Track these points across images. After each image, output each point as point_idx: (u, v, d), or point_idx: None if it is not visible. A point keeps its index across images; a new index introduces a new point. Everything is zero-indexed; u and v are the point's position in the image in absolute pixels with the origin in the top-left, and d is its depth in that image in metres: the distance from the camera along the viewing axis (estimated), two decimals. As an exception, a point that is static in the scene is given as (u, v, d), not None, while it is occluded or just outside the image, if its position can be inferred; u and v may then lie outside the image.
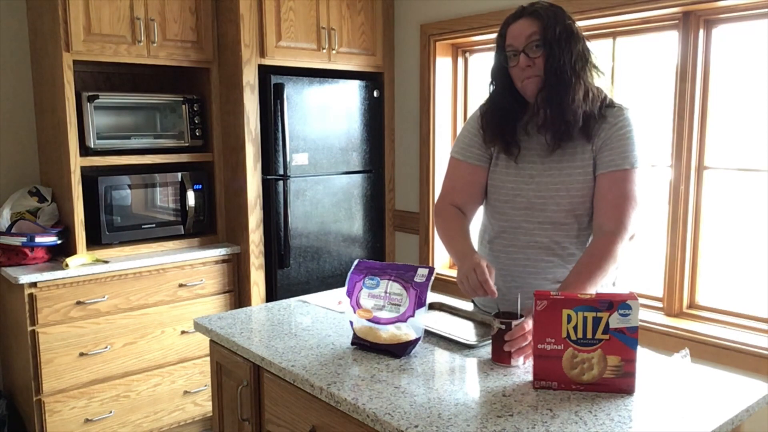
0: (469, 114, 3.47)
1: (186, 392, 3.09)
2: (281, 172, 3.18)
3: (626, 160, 1.64)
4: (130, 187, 3.00)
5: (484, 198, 1.86)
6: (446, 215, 1.86)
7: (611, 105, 1.70)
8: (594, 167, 1.68)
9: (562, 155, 1.70)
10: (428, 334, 1.72)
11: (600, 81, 1.71)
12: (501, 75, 1.74)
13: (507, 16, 1.72)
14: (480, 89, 3.41)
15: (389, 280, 1.61)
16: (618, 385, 1.35)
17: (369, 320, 1.60)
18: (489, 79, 1.79)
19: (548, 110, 1.64)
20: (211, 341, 1.86)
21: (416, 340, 1.59)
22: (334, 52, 3.33)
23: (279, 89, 3.12)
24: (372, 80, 3.53)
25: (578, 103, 1.63)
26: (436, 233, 1.83)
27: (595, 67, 1.69)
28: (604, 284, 1.74)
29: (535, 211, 1.73)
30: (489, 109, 1.79)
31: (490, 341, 1.56)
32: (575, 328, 1.35)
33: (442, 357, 1.58)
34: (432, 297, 2.02)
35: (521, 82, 1.68)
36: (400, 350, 1.56)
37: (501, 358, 1.51)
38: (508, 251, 1.78)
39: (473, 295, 1.61)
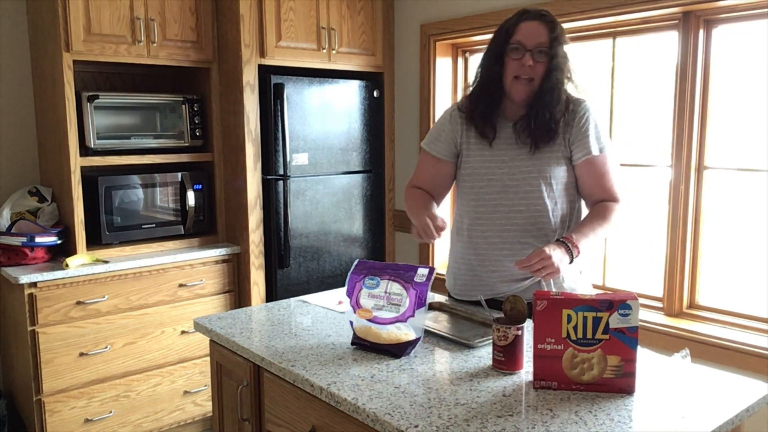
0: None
1: (186, 392, 3.09)
2: (281, 172, 3.18)
3: (596, 146, 1.82)
4: (130, 187, 3.00)
5: (447, 189, 2.03)
6: (412, 193, 2.04)
7: (575, 99, 1.85)
8: (569, 155, 1.84)
9: (531, 149, 1.84)
10: (428, 334, 1.72)
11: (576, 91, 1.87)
12: (495, 63, 1.82)
13: (521, 13, 1.80)
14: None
15: (389, 280, 1.61)
16: (618, 385, 1.35)
17: (369, 320, 1.60)
18: (482, 63, 1.89)
19: (537, 118, 1.79)
20: (211, 341, 1.86)
21: (416, 340, 1.59)
22: (334, 52, 3.33)
23: (279, 89, 3.12)
24: (372, 80, 3.53)
25: (562, 113, 1.81)
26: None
27: (575, 84, 1.84)
28: (572, 270, 1.86)
29: (509, 194, 1.85)
30: (476, 90, 1.88)
31: (491, 342, 1.56)
32: (575, 328, 1.35)
33: (442, 357, 1.58)
34: (432, 297, 2.02)
35: (512, 78, 1.79)
36: (400, 350, 1.56)
37: (515, 365, 1.48)
38: (486, 236, 1.89)
39: (427, 239, 1.78)
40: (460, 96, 3.49)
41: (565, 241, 1.72)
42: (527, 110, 1.82)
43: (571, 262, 1.70)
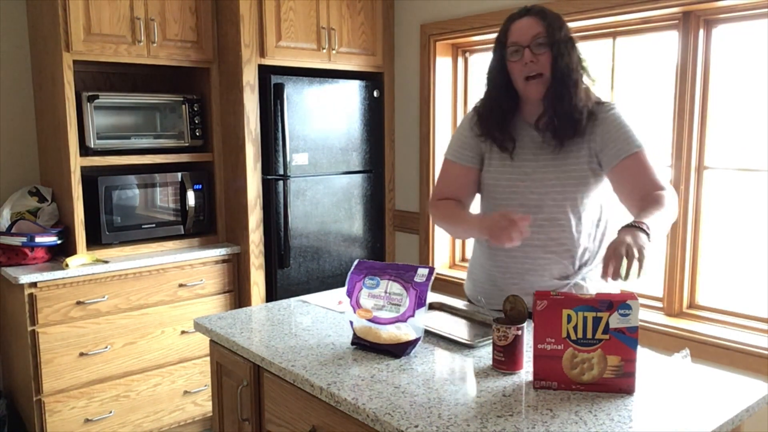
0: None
1: (186, 392, 3.09)
2: (281, 172, 3.18)
3: (632, 144, 1.69)
4: (130, 187, 3.00)
5: (474, 197, 1.93)
6: (442, 204, 1.90)
7: (598, 103, 1.77)
8: (597, 164, 1.73)
9: (556, 152, 1.75)
10: (428, 334, 1.72)
11: (591, 84, 1.78)
12: (499, 72, 1.76)
13: (509, 17, 1.76)
14: (480, 89, 3.40)
15: (389, 280, 1.61)
16: (618, 385, 1.35)
17: (369, 320, 1.60)
18: (486, 77, 1.83)
19: (556, 111, 1.70)
20: (211, 341, 1.86)
21: (416, 340, 1.59)
22: (334, 52, 3.33)
23: (279, 89, 3.12)
24: (372, 80, 3.53)
25: (584, 101, 1.70)
26: (435, 223, 1.95)
27: (588, 73, 1.75)
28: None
29: (531, 208, 1.76)
30: (485, 105, 1.82)
31: (491, 342, 1.56)
32: (575, 328, 1.35)
33: (442, 357, 1.58)
34: (432, 297, 2.02)
35: (523, 79, 1.71)
36: (400, 350, 1.56)
37: (515, 365, 1.47)
38: (506, 249, 1.79)
39: (507, 239, 1.58)
40: (460, 97, 3.50)
41: (633, 224, 1.47)
42: (545, 105, 1.73)
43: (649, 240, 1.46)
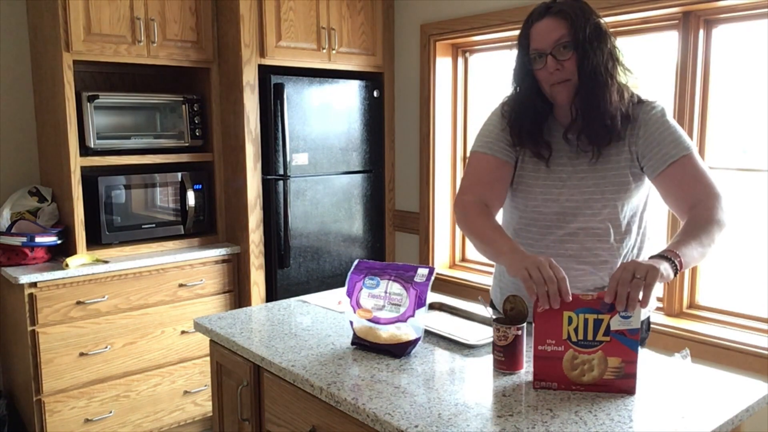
0: (470, 113, 3.47)
1: (186, 392, 3.09)
2: (281, 172, 3.18)
3: (680, 147, 1.56)
4: (130, 187, 3.00)
5: (504, 198, 1.75)
6: (474, 211, 1.65)
7: (639, 101, 1.64)
8: (639, 168, 1.61)
9: (594, 157, 1.62)
10: (428, 334, 1.72)
11: (625, 78, 1.64)
12: (525, 76, 1.63)
13: (528, 17, 1.62)
14: (480, 89, 3.40)
15: (389, 280, 1.61)
16: (618, 386, 1.35)
17: (369, 320, 1.60)
18: (512, 80, 1.68)
19: (587, 117, 1.58)
20: (211, 341, 1.86)
21: (416, 340, 1.59)
22: (334, 52, 3.33)
23: (279, 89, 3.12)
24: (372, 80, 3.53)
25: (615, 104, 1.57)
26: (460, 228, 1.73)
27: (622, 65, 1.62)
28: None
29: (567, 217, 1.64)
30: (514, 111, 1.68)
31: (491, 342, 1.56)
32: (576, 329, 1.35)
33: (442, 357, 1.58)
34: (432, 297, 2.02)
35: (549, 86, 1.60)
36: (400, 350, 1.56)
37: (515, 365, 1.47)
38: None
39: (543, 290, 1.33)
40: (460, 97, 3.50)
41: (665, 255, 1.38)
42: (572, 113, 1.60)
43: (676, 271, 1.37)
